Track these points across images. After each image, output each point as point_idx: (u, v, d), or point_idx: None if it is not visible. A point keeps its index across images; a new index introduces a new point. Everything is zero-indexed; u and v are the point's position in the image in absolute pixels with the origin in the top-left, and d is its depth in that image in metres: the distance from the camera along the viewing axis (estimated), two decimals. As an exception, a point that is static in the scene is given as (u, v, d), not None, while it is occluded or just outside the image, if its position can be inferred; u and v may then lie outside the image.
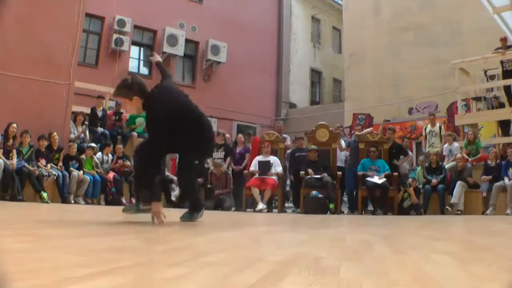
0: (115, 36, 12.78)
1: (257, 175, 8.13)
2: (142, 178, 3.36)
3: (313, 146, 8.30)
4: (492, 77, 10.17)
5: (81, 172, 7.89)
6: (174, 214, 3.92)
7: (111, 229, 2.85)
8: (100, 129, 9.05)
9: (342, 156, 8.90)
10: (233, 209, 8.50)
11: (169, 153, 4.38)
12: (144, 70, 14.18)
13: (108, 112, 9.57)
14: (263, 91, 16.36)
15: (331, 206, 7.73)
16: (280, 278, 1.12)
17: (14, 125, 7.37)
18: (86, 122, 8.95)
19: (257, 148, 8.70)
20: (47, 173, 7.55)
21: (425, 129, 9.75)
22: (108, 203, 7.99)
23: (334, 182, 7.93)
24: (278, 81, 17.15)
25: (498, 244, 2.46)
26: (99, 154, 8.37)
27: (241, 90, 15.25)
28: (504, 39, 9.21)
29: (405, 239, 2.83)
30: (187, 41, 14.34)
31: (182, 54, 14.20)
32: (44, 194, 7.29)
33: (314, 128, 8.74)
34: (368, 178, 7.83)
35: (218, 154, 8.90)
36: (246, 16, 15.90)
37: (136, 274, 1.13)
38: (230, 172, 8.64)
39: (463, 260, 1.63)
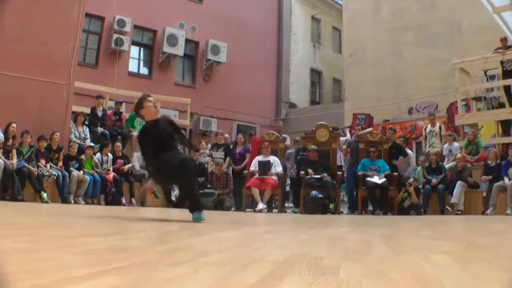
0: (115, 36, 12.78)
1: (257, 175, 8.12)
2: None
3: (313, 146, 8.29)
4: (492, 77, 10.16)
5: (81, 172, 7.89)
6: (174, 214, 3.92)
7: (111, 229, 2.85)
8: (100, 129, 9.04)
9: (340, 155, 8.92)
10: (233, 209, 8.50)
11: None
12: (144, 70, 14.19)
13: (108, 112, 9.56)
14: (263, 91, 16.36)
15: (331, 206, 7.73)
16: (280, 278, 1.12)
17: (14, 125, 7.36)
18: (86, 122, 8.95)
19: (257, 148, 8.69)
20: (47, 173, 7.54)
21: (425, 129, 9.74)
22: (108, 203, 7.99)
23: (334, 182, 7.93)
24: (278, 81, 17.15)
25: (498, 244, 2.46)
26: (98, 154, 8.36)
27: (241, 90, 15.25)
28: (504, 39, 9.20)
29: (405, 239, 2.82)
30: (187, 41, 14.33)
31: (182, 54, 14.20)
32: (44, 194, 7.28)
33: (314, 128, 8.74)
34: (368, 178, 7.83)
35: (218, 154, 8.90)
36: (246, 16, 15.90)
37: (136, 274, 1.13)
38: (230, 172, 8.64)
39: (463, 260, 1.63)
